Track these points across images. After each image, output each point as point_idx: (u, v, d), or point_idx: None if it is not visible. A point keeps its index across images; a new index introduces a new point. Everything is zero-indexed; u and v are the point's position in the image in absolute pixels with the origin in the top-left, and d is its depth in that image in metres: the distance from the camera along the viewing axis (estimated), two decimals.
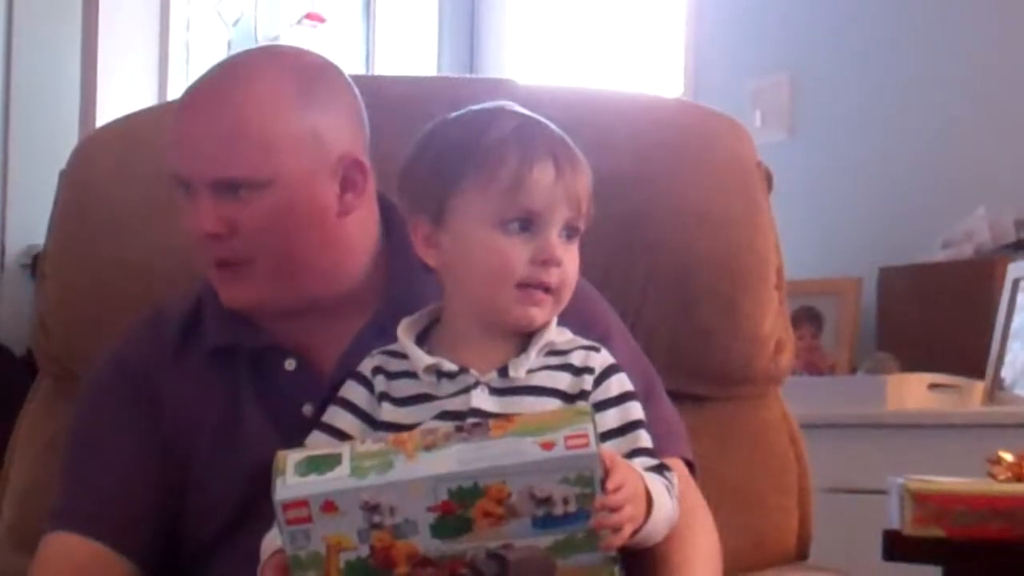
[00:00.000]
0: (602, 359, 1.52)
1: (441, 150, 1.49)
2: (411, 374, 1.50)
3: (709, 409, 1.91)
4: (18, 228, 3.64)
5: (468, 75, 4.47)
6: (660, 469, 1.48)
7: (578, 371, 1.50)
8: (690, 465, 1.64)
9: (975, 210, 3.38)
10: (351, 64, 4.41)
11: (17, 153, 3.65)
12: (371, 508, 1.30)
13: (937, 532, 1.79)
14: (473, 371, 1.48)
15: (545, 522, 1.30)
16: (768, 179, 1.99)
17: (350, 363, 1.56)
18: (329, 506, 1.30)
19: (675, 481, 1.50)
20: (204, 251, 1.61)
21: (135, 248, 1.95)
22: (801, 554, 1.94)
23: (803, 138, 3.81)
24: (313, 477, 1.32)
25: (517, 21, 4.64)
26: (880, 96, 3.67)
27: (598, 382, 1.50)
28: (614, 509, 1.33)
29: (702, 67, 4.07)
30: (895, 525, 1.84)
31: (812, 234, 3.57)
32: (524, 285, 1.46)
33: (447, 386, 1.48)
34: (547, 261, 1.45)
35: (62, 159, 2.07)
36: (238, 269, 1.60)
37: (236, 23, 4.14)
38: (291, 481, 1.32)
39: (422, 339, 1.53)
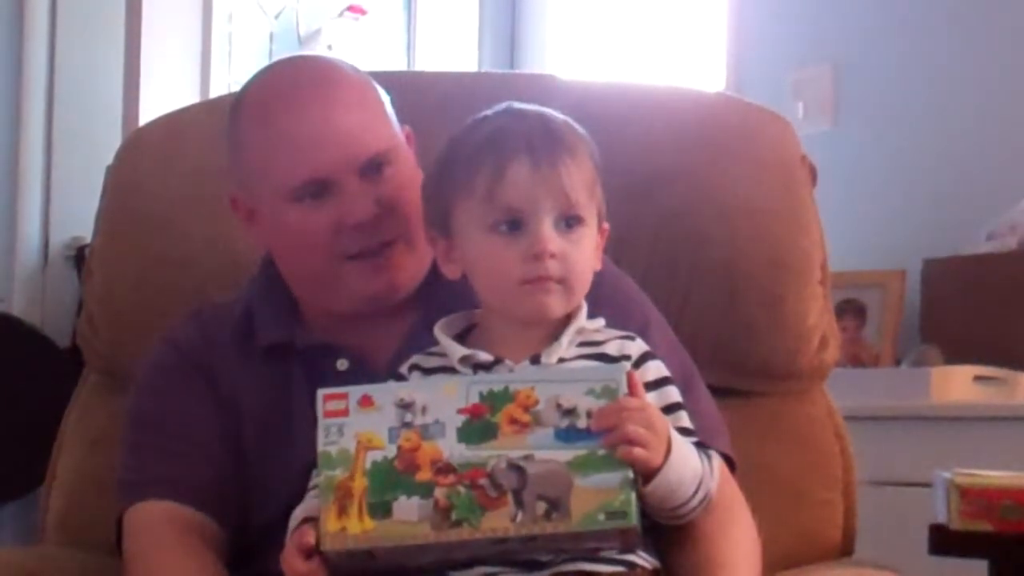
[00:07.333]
0: (638, 347, 1.53)
1: (438, 169, 1.53)
2: (448, 369, 1.51)
3: (754, 404, 1.91)
4: (62, 220, 3.65)
5: (509, 71, 4.46)
6: (701, 447, 1.49)
7: (614, 359, 1.51)
8: (730, 460, 1.63)
9: (1019, 202, 3.36)
10: (392, 57, 4.41)
11: (60, 146, 3.65)
12: (405, 406, 1.38)
13: (984, 526, 1.79)
14: (507, 361, 1.49)
15: (568, 434, 1.37)
16: (813, 173, 1.98)
17: (401, 364, 1.57)
18: (366, 400, 1.39)
19: (716, 463, 1.50)
20: (344, 246, 1.61)
21: (181, 244, 1.96)
22: (846, 548, 1.94)
23: (846, 129, 3.79)
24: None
25: (558, 14, 4.63)
26: (923, 86, 3.65)
27: (634, 367, 1.50)
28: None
29: (744, 58, 4.05)
30: (941, 519, 1.83)
31: (855, 226, 3.55)
32: (526, 282, 1.46)
33: None
34: (538, 255, 1.45)
35: (104, 152, 2.08)
36: (377, 258, 1.62)
37: (278, 15, 4.14)
38: None
39: (460, 341, 1.53)
